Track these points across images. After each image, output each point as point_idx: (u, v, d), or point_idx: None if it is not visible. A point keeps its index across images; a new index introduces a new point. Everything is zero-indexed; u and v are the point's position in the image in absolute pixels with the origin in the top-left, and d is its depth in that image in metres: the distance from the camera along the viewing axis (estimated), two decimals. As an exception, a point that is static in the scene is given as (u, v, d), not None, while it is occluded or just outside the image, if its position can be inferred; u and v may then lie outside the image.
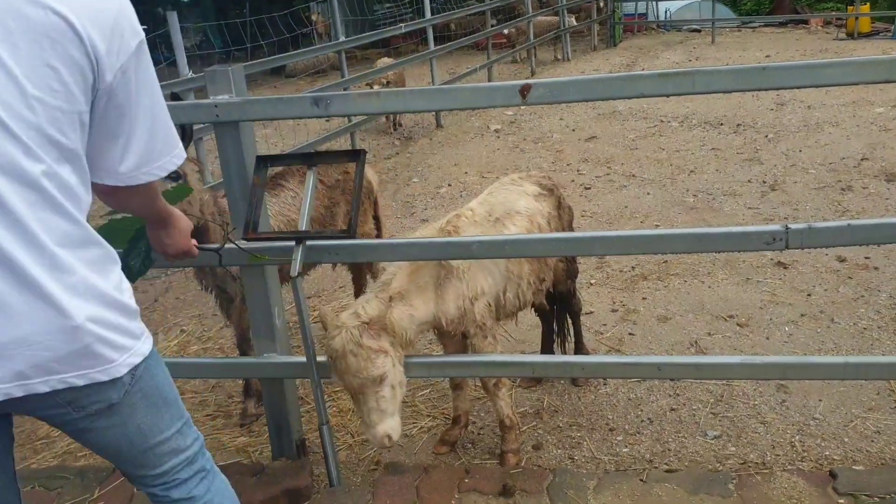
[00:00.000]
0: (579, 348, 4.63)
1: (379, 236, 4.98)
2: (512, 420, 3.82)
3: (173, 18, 6.86)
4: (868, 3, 21.15)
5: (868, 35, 19.70)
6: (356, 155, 3.34)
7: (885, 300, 5.22)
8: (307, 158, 3.53)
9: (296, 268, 3.21)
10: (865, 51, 16.13)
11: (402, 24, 11.42)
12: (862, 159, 8.10)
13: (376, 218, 4.98)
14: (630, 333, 5.12)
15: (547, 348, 4.62)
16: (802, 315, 5.13)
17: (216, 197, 3.90)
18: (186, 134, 3.22)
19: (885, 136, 8.86)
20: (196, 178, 3.65)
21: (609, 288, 5.81)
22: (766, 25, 25.71)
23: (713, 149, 9.07)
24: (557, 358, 3.94)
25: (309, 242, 3.31)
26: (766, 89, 3.09)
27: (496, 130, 11.24)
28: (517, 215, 3.76)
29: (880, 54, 15.42)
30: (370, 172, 4.93)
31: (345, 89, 9.50)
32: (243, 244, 3.34)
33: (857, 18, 19.43)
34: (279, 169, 4.33)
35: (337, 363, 3.11)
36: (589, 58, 18.60)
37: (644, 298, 5.59)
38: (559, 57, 18.50)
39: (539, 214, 3.87)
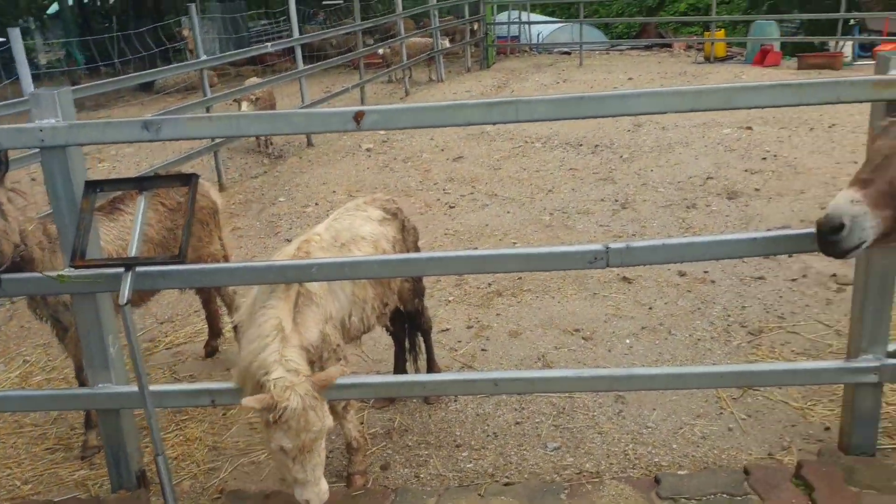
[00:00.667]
0: (431, 366, 4.71)
1: (227, 258, 4.92)
2: (359, 442, 3.84)
3: (14, 34, 6.54)
4: (723, 30, 22.54)
5: (723, 59, 20.98)
6: (188, 179, 3.31)
7: (718, 312, 5.58)
8: (138, 183, 3.46)
9: (124, 295, 3.14)
10: (719, 74, 17.16)
11: (269, 43, 11.31)
12: (707, 178, 8.62)
13: (221, 239, 4.92)
14: (483, 349, 5.26)
15: (400, 367, 4.68)
16: (643, 328, 5.41)
17: (45, 224, 3.76)
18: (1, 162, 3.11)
19: (729, 155, 9.47)
20: (15, 206, 3.52)
21: (466, 305, 5.94)
22: (632, 48, 26.96)
23: (571, 169, 9.44)
24: (400, 378, 4.00)
25: (139, 269, 3.24)
26: (581, 118, 3.27)
27: (368, 149, 11.31)
28: (362, 241, 3.81)
29: (731, 77, 16.51)
30: (214, 193, 4.88)
31: (208, 108, 9.33)
32: (71, 272, 3.24)
33: (713, 44, 20.65)
34: (117, 193, 4.23)
35: (295, 423, 2.94)
36: (462, 79, 18.97)
37: (498, 314, 5.75)
38: (433, 78, 18.79)
39: (384, 239, 3.94)
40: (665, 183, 8.57)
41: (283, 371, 3.04)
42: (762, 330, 5.27)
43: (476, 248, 7.13)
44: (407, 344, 4.63)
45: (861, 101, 3.26)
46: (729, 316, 5.51)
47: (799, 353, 4.96)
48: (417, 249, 4.29)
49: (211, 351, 5.42)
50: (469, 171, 9.74)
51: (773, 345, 5.07)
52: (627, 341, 5.24)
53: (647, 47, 27.02)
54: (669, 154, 9.69)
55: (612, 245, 3.37)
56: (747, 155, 9.40)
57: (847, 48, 19.78)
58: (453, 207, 8.37)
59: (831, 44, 20.27)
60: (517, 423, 4.33)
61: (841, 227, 2.90)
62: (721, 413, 4.31)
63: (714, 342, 5.17)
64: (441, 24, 19.67)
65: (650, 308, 5.69)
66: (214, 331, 5.41)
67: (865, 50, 19.97)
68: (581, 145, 10.51)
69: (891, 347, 3.70)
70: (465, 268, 3.48)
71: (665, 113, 3.26)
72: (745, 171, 8.79)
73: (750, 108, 3.30)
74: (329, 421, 3.06)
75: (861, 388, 3.68)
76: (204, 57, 9.40)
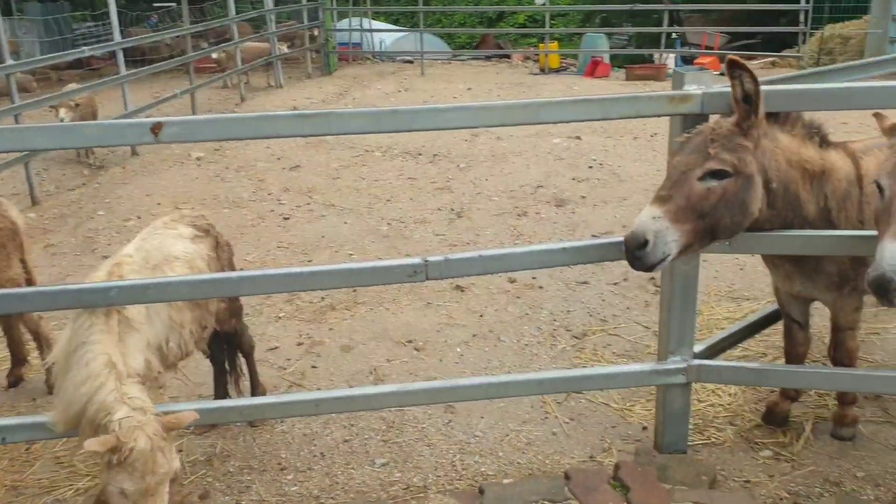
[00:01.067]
0: (255, 387, 4.53)
1: (30, 282, 4.53)
2: (175, 472, 3.62)
3: None
4: (557, 42, 23.43)
5: (558, 70, 21.81)
6: (-34, 198, 2.99)
7: (546, 317, 5.72)
8: None
9: None
10: (553, 84, 17.80)
11: (86, 48, 10.62)
12: (538, 186, 8.87)
13: (24, 262, 4.52)
14: (313, 366, 5.13)
15: (220, 391, 4.46)
16: (474, 335, 5.46)
17: None
18: None
19: (558, 164, 9.80)
20: None
21: (297, 321, 5.78)
22: (473, 59, 27.51)
23: (410, 178, 9.46)
24: (215, 404, 3.81)
25: None
26: (395, 131, 3.24)
27: (198, 158, 10.85)
28: (175, 261, 3.60)
29: (564, 88, 17.17)
30: (13, 212, 4.49)
31: (16, 117, 8.63)
32: None
33: (547, 55, 21.42)
34: None
35: (141, 465, 2.72)
36: (303, 85, 18.66)
37: (331, 329, 5.64)
38: (272, 84, 18.36)
39: (198, 258, 3.74)
40: (499, 192, 8.74)
41: (128, 410, 2.83)
42: (586, 333, 5.45)
43: (311, 261, 6.98)
44: (227, 366, 4.43)
45: (659, 115, 3.42)
46: (555, 320, 5.66)
47: (619, 354, 5.16)
48: (233, 267, 4.11)
49: (15, 381, 4.97)
50: (306, 181, 9.55)
51: (595, 347, 5.25)
52: (458, 350, 5.27)
53: (488, 58, 27.66)
54: (503, 163, 9.91)
55: (431, 258, 3.38)
56: (575, 164, 9.76)
57: (670, 60, 21.08)
58: (288, 219, 8.16)
59: (656, 56, 21.54)
60: (346, 440, 4.24)
61: (645, 242, 3.02)
62: (546, 418, 4.41)
63: (541, 347, 5.29)
64: (278, 30, 19.25)
65: (481, 315, 5.76)
66: (18, 358, 4.97)
67: (687, 62, 21.35)
68: (420, 154, 10.57)
69: (697, 348, 3.91)
70: (281, 286, 3.36)
71: (476, 127, 3.29)
72: (573, 179, 9.12)
73: (556, 122, 3.39)
74: (176, 463, 2.89)
75: (671, 388, 3.85)
76: (10, 62, 8.68)
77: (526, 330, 5.52)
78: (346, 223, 7.94)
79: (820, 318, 4.76)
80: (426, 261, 3.36)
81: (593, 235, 7.25)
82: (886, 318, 5.28)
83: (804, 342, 4.17)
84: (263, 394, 4.50)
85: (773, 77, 3.78)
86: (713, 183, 3.09)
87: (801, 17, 17.75)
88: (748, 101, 3.09)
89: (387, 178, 9.48)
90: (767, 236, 3.41)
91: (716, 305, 5.75)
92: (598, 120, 3.34)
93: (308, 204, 8.64)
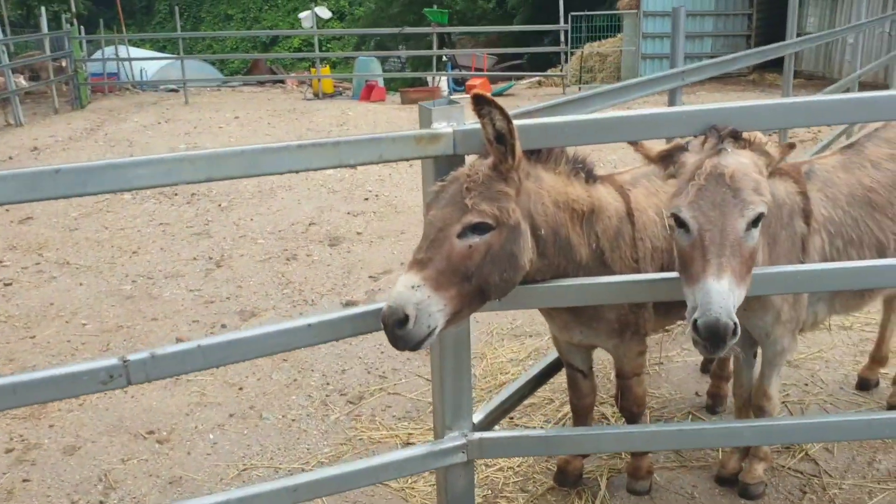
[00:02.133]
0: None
1: None
2: None
3: None
4: (328, 66, 22.92)
5: (332, 95, 21.27)
6: None
7: (317, 381, 5.04)
8: None
9: None
10: (327, 110, 17.19)
11: None
12: (310, 224, 8.19)
13: None
14: (25, 480, 4.10)
15: None
16: (231, 415, 4.66)
17: None
18: None
19: (332, 198, 9.17)
20: None
21: (7, 419, 4.68)
22: (245, 85, 26.36)
23: (161, 224, 8.41)
24: None
25: None
26: (54, 198, 2.44)
27: None
28: None
29: (338, 113, 16.62)
30: None
31: None
32: None
33: (320, 80, 20.80)
34: None
35: None
36: (49, 121, 16.74)
37: (51, 426, 4.60)
38: (11, 122, 16.28)
39: None
40: (265, 233, 7.96)
41: None
42: (363, 396, 4.83)
43: (33, 338, 5.83)
44: None
45: (407, 159, 2.86)
46: (328, 384, 4.99)
47: (400, 418, 4.59)
48: None
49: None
50: (38, 235, 8.22)
51: (374, 412, 4.65)
52: (212, 436, 4.45)
53: (261, 84, 26.63)
54: (271, 200, 9.13)
55: (132, 357, 2.58)
56: (350, 196, 9.19)
57: (443, 83, 21.22)
58: (10, 285, 6.87)
59: (429, 79, 21.61)
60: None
61: (406, 318, 2.46)
62: (315, 514, 3.71)
63: (310, 420, 4.60)
64: (13, 62, 17.16)
65: (241, 389, 4.96)
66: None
67: (459, 84, 21.60)
68: (176, 194, 9.51)
69: (477, 417, 3.39)
70: None
71: (172, 185, 2.56)
72: (348, 213, 8.53)
73: (281, 172, 2.73)
74: None
75: (452, 469, 3.30)
76: None
77: (294, 401, 4.80)
78: (81, 285, 6.80)
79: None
80: (125, 361, 2.56)
81: (370, 276, 6.68)
82: (669, 346, 5.11)
83: (590, 392, 3.80)
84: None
85: (529, 108, 3.38)
86: (475, 239, 2.59)
87: (562, 37, 18.43)
88: (502, 140, 2.61)
89: (135, 226, 8.37)
90: (539, 289, 2.95)
91: (498, 346, 5.35)
92: (335, 167, 2.70)
93: (37, 264, 7.37)
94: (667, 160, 2.77)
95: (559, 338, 3.62)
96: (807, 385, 4.66)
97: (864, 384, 4.57)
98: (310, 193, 9.37)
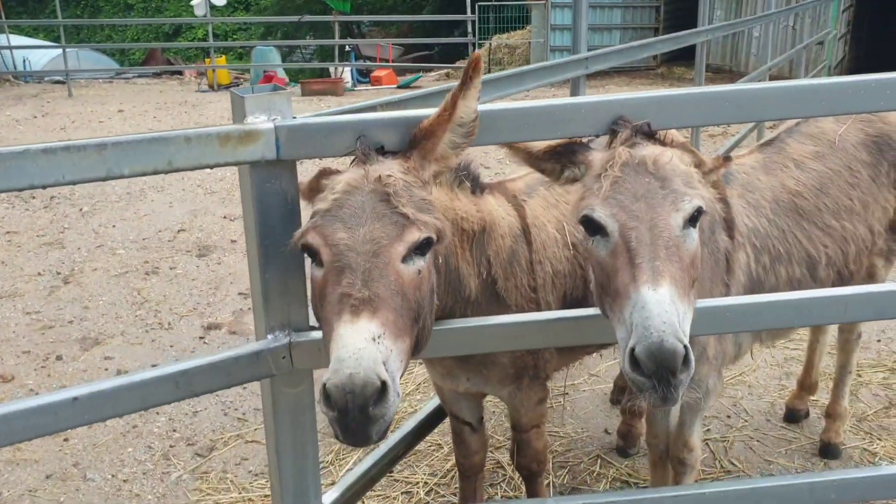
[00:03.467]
0: None
1: None
2: None
3: None
4: (224, 57, 21.72)
5: (228, 86, 20.08)
6: None
7: (161, 427, 4.20)
8: None
9: None
10: (220, 102, 16.10)
11: None
12: (179, 230, 7.27)
13: None
14: None
15: None
16: (48, 477, 3.78)
17: None
18: None
19: (208, 199, 8.24)
20: None
21: None
22: (141, 76, 24.86)
23: (9, 232, 7.31)
24: None
25: None
26: None
27: None
28: None
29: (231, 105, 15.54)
30: None
31: None
32: None
33: (214, 70, 19.60)
34: None
35: None
36: None
37: None
38: None
39: None
40: (127, 242, 6.98)
41: None
42: (215, 446, 4.02)
43: None
44: None
45: (211, 167, 2.08)
46: (174, 431, 4.16)
47: (258, 473, 3.81)
48: None
49: None
50: None
51: (226, 467, 3.86)
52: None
53: (157, 75, 25.16)
54: (140, 203, 8.13)
55: None
56: (229, 197, 8.26)
57: (347, 73, 20.29)
58: None
59: (332, 69, 20.68)
60: None
61: (384, 387, 1.60)
62: None
63: (147, 479, 3.77)
64: None
65: (65, 440, 4.07)
66: None
67: (364, 75, 20.71)
68: (34, 197, 8.39)
69: (329, 497, 2.67)
70: None
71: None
72: (225, 217, 7.62)
73: (18, 188, 1.92)
74: None
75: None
76: None
77: (129, 455, 3.95)
78: None
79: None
80: None
81: (240, 293, 5.83)
82: (575, 373, 4.48)
83: (480, 448, 3.12)
84: None
85: (391, 98, 2.65)
86: (420, 262, 1.84)
87: (469, 28, 17.82)
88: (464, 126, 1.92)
89: (-24, 235, 7.28)
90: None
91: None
92: (102, 179, 1.88)
93: None
94: (561, 159, 2.08)
95: (441, 386, 2.92)
96: (729, 417, 4.10)
97: (793, 415, 4.04)
98: (184, 195, 8.40)
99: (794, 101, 2.04)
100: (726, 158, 2.11)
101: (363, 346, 1.61)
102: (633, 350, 1.67)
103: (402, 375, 1.76)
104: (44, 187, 1.89)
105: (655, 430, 3.09)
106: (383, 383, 1.58)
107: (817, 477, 2.69)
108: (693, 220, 1.87)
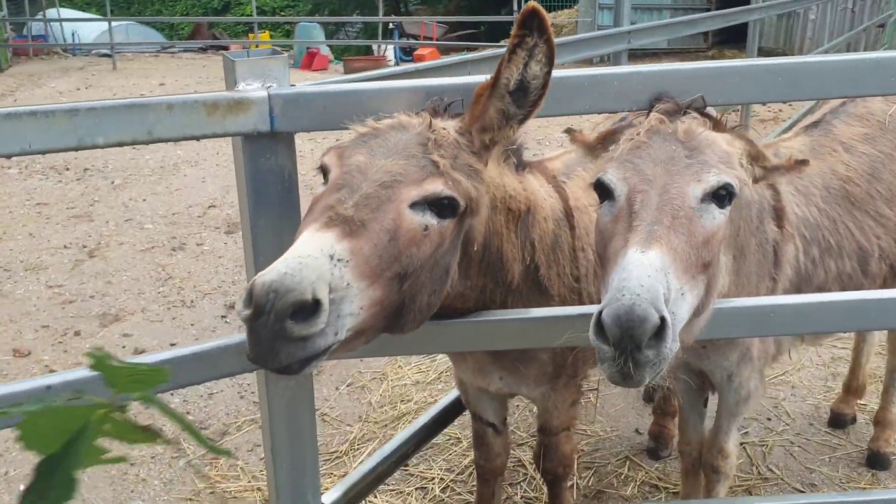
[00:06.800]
0: None
1: None
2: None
3: None
4: (268, 33, 21.69)
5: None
6: None
7: (174, 407, 4.07)
8: None
9: None
10: (263, 79, 16.02)
11: None
12: (210, 206, 7.15)
13: None
14: None
15: None
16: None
17: None
18: None
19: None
20: None
21: None
22: (186, 51, 24.96)
23: (39, 204, 7.28)
24: None
25: None
26: None
27: None
28: None
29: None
30: None
31: None
32: None
33: (257, 46, 19.55)
34: None
35: None
36: (-43, 85, 15.34)
37: None
38: None
39: None
40: (157, 216, 6.89)
41: None
42: (227, 430, 3.91)
43: None
44: None
45: (198, 138, 1.90)
46: (188, 414, 4.05)
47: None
48: None
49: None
50: None
51: (238, 452, 3.74)
52: (23, 487, 3.46)
53: (203, 49, 25.22)
54: (173, 177, 8.04)
55: None
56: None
57: (390, 52, 20.09)
58: None
59: (374, 47, 20.49)
60: None
61: (315, 304, 1.40)
62: None
63: (154, 463, 3.68)
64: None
65: None
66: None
67: (407, 53, 20.48)
68: (68, 169, 8.36)
69: (330, 497, 2.50)
70: None
71: None
72: (256, 194, 7.48)
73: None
74: None
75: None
76: None
77: (138, 436, 3.83)
78: (-81, 278, 5.70)
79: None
80: None
81: (265, 272, 5.68)
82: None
83: (502, 451, 2.91)
84: None
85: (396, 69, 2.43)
86: (432, 221, 1.64)
87: (515, 6, 17.46)
88: (522, 94, 1.69)
89: (8, 206, 7.22)
90: (445, 327, 2.02)
91: (404, 363, 4.43)
92: (73, 149, 1.70)
93: None
94: (609, 144, 1.87)
95: (469, 383, 2.70)
96: (769, 420, 3.83)
97: (839, 420, 3.76)
98: (217, 171, 8.30)
99: (855, 77, 1.78)
100: (801, 162, 1.85)
101: (311, 255, 1.44)
102: (599, 314, 1.45)
103: (362, 326, 1.52)
104: (8, 157, 1.72)
105: (688, 435, 2.85)
106: (314, 301, 1.39)
107: (864, 496, 2.43)
108: (718, 197, 1.65)
